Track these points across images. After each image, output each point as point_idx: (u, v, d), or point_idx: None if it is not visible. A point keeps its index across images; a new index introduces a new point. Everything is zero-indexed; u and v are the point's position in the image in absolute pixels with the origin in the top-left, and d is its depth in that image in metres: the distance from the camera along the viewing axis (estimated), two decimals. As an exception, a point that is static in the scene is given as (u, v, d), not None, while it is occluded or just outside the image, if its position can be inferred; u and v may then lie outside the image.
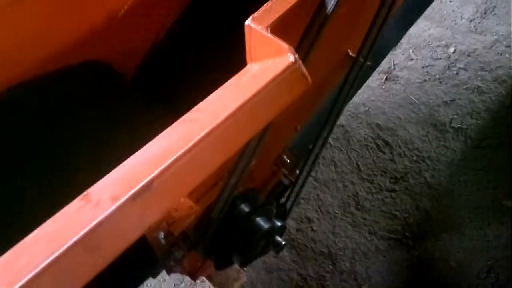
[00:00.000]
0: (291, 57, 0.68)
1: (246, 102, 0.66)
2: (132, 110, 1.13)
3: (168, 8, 1.28)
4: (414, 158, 1.93)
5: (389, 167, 1.90)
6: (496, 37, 2.36)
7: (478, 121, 2.03)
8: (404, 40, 2.35)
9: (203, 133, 0.62)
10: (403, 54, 2.31)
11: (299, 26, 0.79)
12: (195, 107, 0.68)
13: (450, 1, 2.55)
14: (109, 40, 1.19)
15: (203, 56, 1.27)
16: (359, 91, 1.86)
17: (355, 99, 2.07)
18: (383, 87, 2.19)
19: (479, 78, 2.19)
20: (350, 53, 1.15)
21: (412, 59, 2.29)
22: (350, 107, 2.05)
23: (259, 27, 0.71)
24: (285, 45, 0.69)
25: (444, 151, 1.95)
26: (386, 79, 2.22)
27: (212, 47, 1.27)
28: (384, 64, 2.24)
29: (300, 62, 0.70)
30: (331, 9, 0.78)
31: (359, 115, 2.06)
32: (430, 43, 2.36)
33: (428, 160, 1.92)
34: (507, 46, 2.31)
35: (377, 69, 2.08)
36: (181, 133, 0.64)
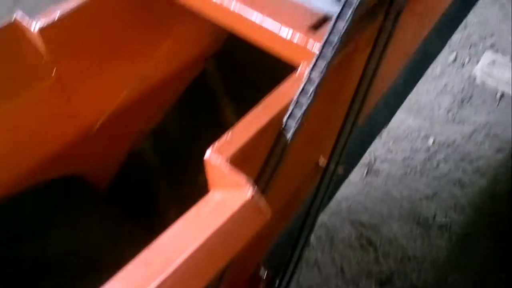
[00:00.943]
0: (249, 193, 0.66)
1: (202, 244, 0.63)
2: (103, 228, 1.11)
3: (142, 120, 1.29)
4: (399, 257, 1.88)
5: (374, 269, 1.84)
6: (474, 126, 2.39)
7: (462, 216, 2.00)
8: (384, 133, 2.38)
9: (158, 281, 0.59)
10: (383, 147, 2.32)
11: (260, 154, 0.78)
12: (153, 244, 0.66)
13: (427, 92, 2.61)
14: (85, 154, 1.18)
15: (175, 168, 1.26)
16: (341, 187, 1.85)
17: (337, 195, 2.04)
18: (365, 181, 2.18)
19: (460, 170, 2.19)
20: (321, 163, 1.14)
21: (392, 152, 2.30)
22: (332, 204, 2.03)
23: (219, 159, 0.70)
24: (243, 180, 0.67)
25: (428, 249, 1.90)
26: (367, 172, 2.21)
27: (183, 158, 1.27)
28: (365, 157, 2.25)
29: (259, 195, 0.68)
30: (292, 135, 0.77)
31: (341, 213, 2.03)
32: (409, 134, 2.38)
33: (413, 259, 1.87)
34: (485, 136, 2.34)
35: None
36: (136, 280, 0.61)
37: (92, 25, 0.99)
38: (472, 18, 2.97)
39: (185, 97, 1.27)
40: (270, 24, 0.78)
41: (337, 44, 0.70)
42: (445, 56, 2.76)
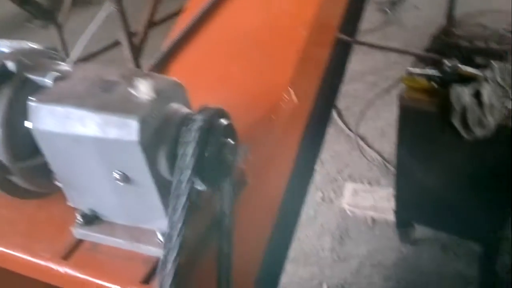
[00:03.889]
0: None
1: None
2: None
3: None
4: None
5: None
6: (358, 260, 2.48)
7: None
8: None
9: None
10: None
11: None
12: None
13: (307, 237, 2.69)
14: None
15: None
16: None
17: None
18: None
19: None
20: None
21: (291, 312, 2.27)
22: None
23: None
24: None
25: None
26: None
27: None
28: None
29: None
30: None
31: None
32: (303, 286, 2.38)
33: None
34: (371, 266, 2.42)
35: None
36: None
37: None
38: (325, 155, 3.24)
39: None
40: (99, 282, 0.75)
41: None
42: (313, 196, 2.92)
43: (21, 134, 0.74)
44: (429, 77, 1.96)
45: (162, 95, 0.71)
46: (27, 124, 0.70)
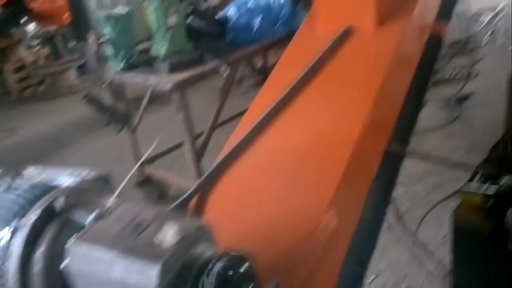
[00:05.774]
0: None
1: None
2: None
3: None
4: None
5: None
6: None
7: None
8: None
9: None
10: None
11: None
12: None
13: None
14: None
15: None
16: None
17: None
18: None
19: None
20: None
21: None
22: None
23: None
24: None
25: None
26: None
27: None
28: None
29: None
30: None
31: None
32: None
33: None
34: None
35: None
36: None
37: None
38: (381, 264, 3.10)
39: None
40: None
41: None
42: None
43: (59, 271, 0.80)
44: (485, 195, 1.87)
45: (187, 239, 0.76)
46: (63, 263, 0.76)
